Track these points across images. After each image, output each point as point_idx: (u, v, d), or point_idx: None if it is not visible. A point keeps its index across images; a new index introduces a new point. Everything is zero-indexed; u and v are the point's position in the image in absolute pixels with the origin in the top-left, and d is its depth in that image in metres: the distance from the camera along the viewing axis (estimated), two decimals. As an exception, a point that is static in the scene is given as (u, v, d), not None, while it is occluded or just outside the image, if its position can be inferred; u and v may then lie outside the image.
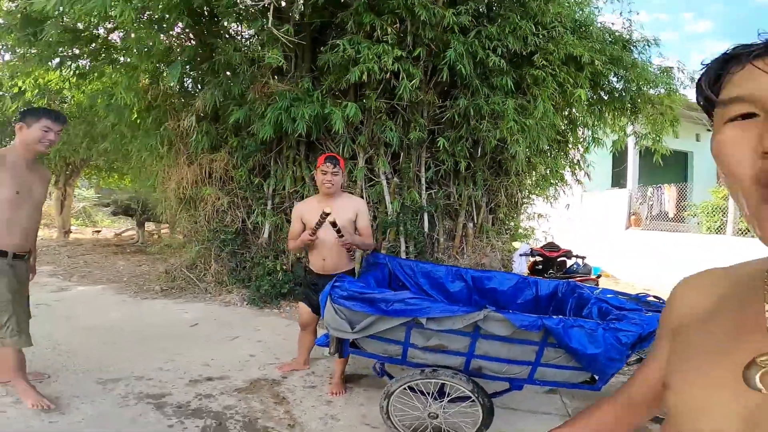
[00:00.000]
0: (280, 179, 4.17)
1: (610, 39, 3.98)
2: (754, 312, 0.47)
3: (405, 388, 1.90)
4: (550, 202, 5.39)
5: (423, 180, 4.26)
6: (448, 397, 1.90)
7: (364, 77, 3.12)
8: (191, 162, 4.17)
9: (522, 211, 5.18)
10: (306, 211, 2.41)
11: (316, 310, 2.34)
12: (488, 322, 1.67)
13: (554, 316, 1.83)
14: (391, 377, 2.07)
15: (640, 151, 7.82)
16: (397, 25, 3.30)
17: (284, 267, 4.09)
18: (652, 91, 4.31)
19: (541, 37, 3.43)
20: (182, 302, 4.02)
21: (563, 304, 2.37)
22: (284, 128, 3.37)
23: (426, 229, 4.22)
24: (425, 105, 3.80)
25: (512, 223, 5.15)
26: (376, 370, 2.20)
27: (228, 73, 3.86)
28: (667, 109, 4.43)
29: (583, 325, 1.69)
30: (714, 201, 8.76)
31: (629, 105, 4.28)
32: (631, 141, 6.96)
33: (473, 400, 1.84)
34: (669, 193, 9.72)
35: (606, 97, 4.35)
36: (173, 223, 4.92)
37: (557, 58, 3.50)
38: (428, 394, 1.90)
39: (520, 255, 4.56)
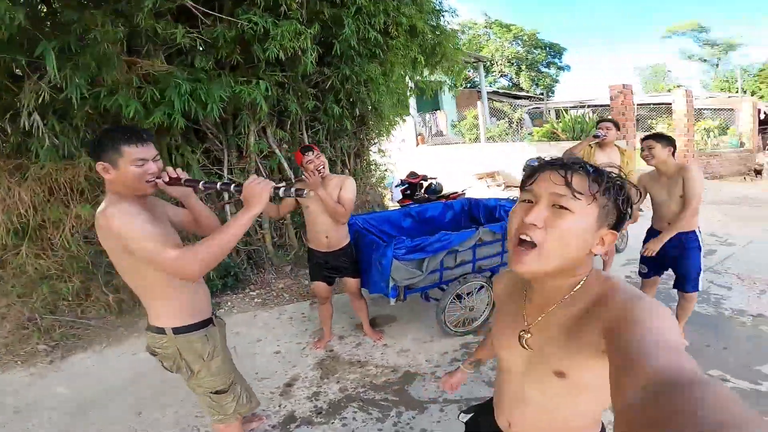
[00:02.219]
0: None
1: (432, 8, 5.07)
2: (522, 304, 0.85)
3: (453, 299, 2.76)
4: (390, 139, 6.61)
5: (307, 141, 4.64)
6: (473, 293, 2.87)
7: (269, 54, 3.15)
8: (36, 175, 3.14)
9: (378, 151, 6.20)
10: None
11: (331, 282, 2.72)
12: (485, 234, 2.67)
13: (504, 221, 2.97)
14: (434, 299, 2.88)
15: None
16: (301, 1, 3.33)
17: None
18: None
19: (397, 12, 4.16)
20: (96, 352, 3.02)
21: (477, 213, 3.59)
22: (192, 114, 3.04)
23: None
24: (313, 75, 4.06)
25: (373, 164, 6.15)
26: (423, 298, 2.96)
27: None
28: (458, 61, 6.06)
29: None
30: (469, 120, 12.17)
31: (438, 60, 5.64)
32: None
33: (483, 287, 2.88)
34: (441, 117, 12.73)
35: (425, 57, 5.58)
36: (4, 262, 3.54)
37: (404, 30, 4.34)
38: (461, 297, 2.81)
39: (395, 186, 5.71)
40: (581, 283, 0.74)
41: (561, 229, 0.69)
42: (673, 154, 2.43)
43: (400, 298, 2.60)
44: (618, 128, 3.46)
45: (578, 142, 3.86)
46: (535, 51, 21.48)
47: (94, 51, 2.62)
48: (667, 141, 2.41)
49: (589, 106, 13.65)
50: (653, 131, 4.27)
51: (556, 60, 21.88)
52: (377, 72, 4.27)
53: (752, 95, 16.39)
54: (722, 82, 21.07)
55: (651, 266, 2.65)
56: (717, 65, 25.13)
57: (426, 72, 6.03)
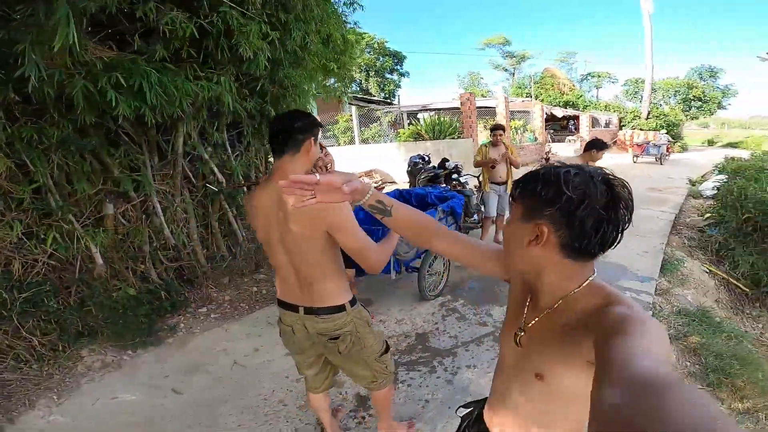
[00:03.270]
0: (79, 180, 3.13)
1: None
2: (526, 303, 0.85)
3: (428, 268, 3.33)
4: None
5: (227, 145, 4.51)
6: (432, 262, 3.49)
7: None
8: None
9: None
10: None
11: None
12: (440, 213, 3.37)
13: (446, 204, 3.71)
14: (415, 270, 3.40)
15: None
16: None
17: (149, 280, 3.35)
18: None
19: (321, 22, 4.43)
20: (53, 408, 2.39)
21: (410, 201, 4.29)
22: (157, 105, 2.69)
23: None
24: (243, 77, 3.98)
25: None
26: (409, 270, 3.41)
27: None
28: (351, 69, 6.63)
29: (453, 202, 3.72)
30: (341, 124, 12.87)
31: (341, 67, 6.11)
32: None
33: (437, 257, 3.55)
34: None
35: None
36: None
37: (319, 39, 4.67)
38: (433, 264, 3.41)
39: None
40: (574, 291, 0.75)
41: (504, 229, 0.82)
42: None
43: (399, 271, 3.06)
44: (504, 130, 4.65)
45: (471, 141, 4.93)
46: (383, 58, 23.76)
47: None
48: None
49: (432, 109, 16.06)
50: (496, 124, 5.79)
51: (398, 67, 24.66)
52: (303, 77, 4.50)
53: (536, 98, 21.97)
54: (517, 88, 27.46)
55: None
56: (513, 74, 32.58)
57: (320, 78, 6.41)
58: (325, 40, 4.90)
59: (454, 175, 6.64)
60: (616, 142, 22.76)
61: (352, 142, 12.13)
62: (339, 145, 12.32)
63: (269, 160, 5.71)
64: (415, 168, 7.03)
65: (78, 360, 2.90)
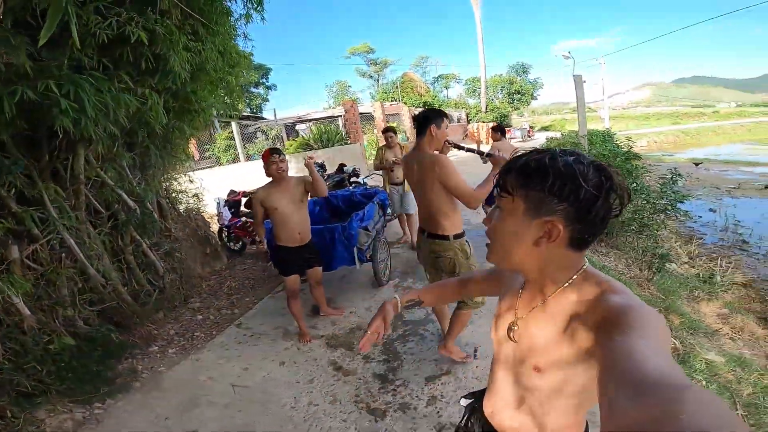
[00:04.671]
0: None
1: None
2: (518, 297, 0.84)
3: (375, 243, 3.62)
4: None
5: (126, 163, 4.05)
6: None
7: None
8: None
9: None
10: (266, 197, 2.77)
11: (303, 274, 3.02)
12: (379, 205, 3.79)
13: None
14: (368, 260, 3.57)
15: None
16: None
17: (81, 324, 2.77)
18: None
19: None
20: None
21: (336, 203, 4.55)
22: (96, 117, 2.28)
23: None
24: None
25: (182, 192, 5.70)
26: (366, 259, 3.51)
27: None
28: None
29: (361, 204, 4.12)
30: (220, 142, 12.09)
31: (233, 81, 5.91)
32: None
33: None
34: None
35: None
36: None
37: (216, 50, 4.52)
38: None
39: (223, 207, 5.64)
40: (567, 282, 0.73)
41: (494, 224, 0.75)
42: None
43: (367, 257, 3.30)
44: (395, 132, 4.88)
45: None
46: (246, 72, 22.70)
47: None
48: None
49: (309, 120, 16.26)
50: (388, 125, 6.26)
51: (264, 80, 24.00)
52: (207, 91, 4.31)
53: (398, 102, 24.00)
54: (383, 93, 29.45)
55: None
56: (378, 80, 34.76)
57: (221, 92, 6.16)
58: (222, 53, 4.77)
59: (353, 179, 7.07)
60: (467, 134, 26.49)
61: (236, 160, 11.51)
62: (222, 164, 11.55)
63: (172, 181, 5.22)
64: (315, 176, 7.24)
65: (40, 423, 2.35)
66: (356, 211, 3.57)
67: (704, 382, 2.67)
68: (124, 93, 2.65)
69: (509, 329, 0.83)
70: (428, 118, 2.16)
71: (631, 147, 7.94)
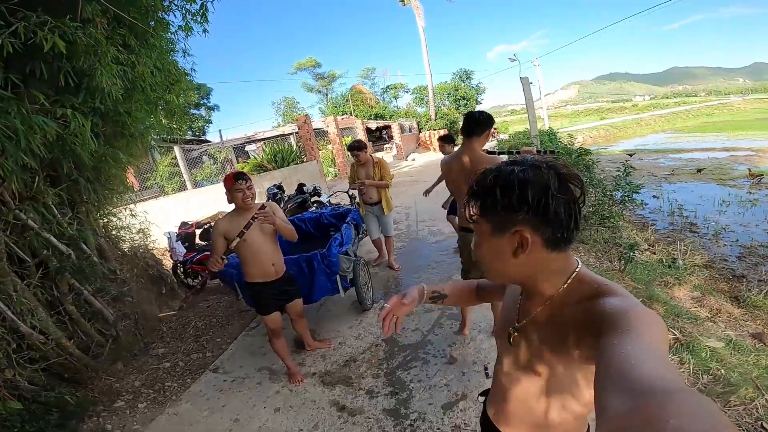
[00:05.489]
0: None
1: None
2: (518, 303, 0.87)
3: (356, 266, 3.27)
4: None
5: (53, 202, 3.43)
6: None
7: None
8: None
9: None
10: (229, 229, 2.34)
11: (283, 310, 2.66)
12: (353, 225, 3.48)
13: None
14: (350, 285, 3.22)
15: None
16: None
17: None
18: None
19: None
20: None
21: (323, 221, 4.15)
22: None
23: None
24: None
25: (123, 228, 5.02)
26: (349, 285, 3.18)
27: None
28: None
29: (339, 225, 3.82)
30: (162, 169, 11.16)
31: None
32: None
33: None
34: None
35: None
36: None
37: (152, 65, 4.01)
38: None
39: (176, 241, 5.01)
40: (563, 287, 0.74)
41: (476, 249, 0.79)
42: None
43: (350, 281, 2.96)
44: (364, 147, 4.18)
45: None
46: (188, 93, 21.45)
47: None
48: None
49: (259, 140, 15.62)
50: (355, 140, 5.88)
51: (205, 101, 22.80)
52: (144, 112, 3.79)
53: (350, 115, 23.87)
54: (333, 107, 29.15)
55: None
56: (326, 94, 34.38)
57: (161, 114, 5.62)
58: (159, 68, 4.25)
59: (315, 198, 6.69)
60: (420, 143, 26.88)
61: (183, 188, 10.64)
62: (167, 194, 10.62)
63: (111, 217, 4.56)
64: (274, 199, 6.76)
65: None
66: (332, 235, 3.24)
67: (723, 371, 2.59)
68: (38, 115, 2.14)
69: (509, 335, 0.85)
70: (491, 120, 2.30)
71: (574, 144, 8.30)
